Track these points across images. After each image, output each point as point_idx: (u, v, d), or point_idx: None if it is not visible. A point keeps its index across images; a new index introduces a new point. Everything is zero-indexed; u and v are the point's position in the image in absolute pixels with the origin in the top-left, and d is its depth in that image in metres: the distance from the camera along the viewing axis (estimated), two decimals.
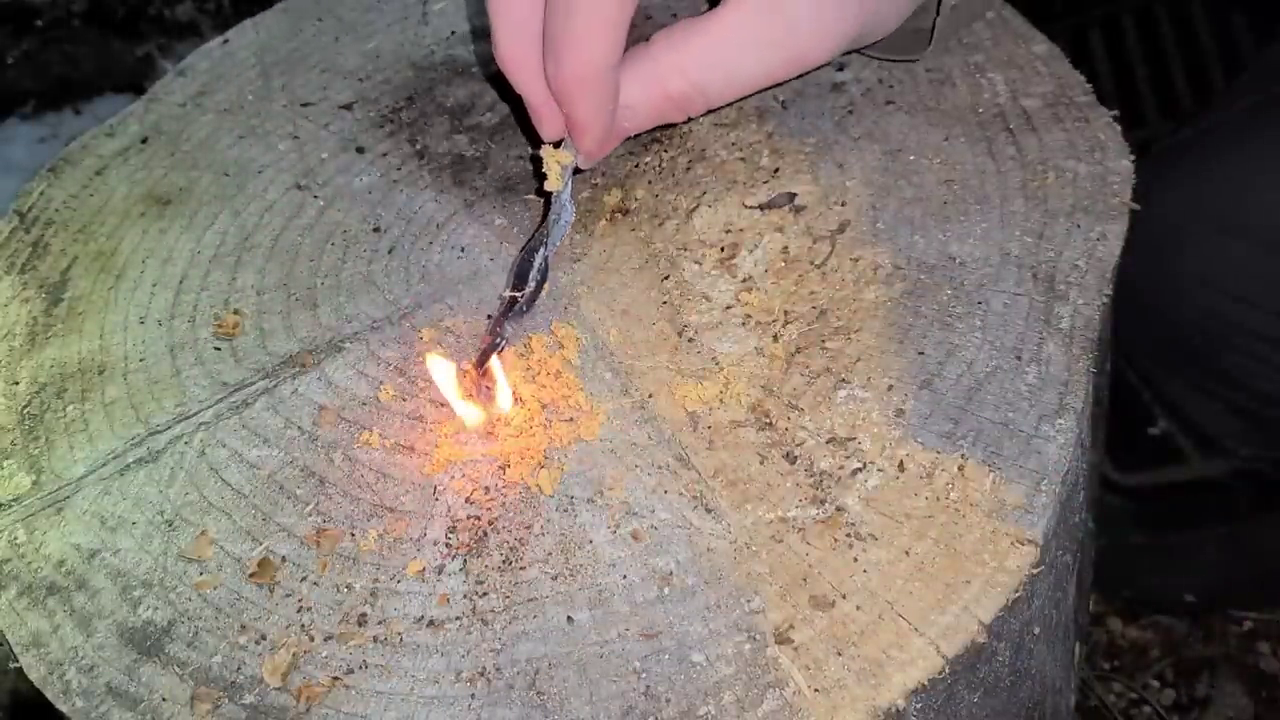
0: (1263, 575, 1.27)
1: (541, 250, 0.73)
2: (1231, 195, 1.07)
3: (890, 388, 0.68)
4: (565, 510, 0.65)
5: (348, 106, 0.91)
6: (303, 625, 0.62)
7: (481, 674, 0.60)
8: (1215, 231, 1.07)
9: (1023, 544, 0.61)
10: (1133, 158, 0.78)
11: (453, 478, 0.67)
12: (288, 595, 0.64)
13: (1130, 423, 1.24)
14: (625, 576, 0.62)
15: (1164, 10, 1.67)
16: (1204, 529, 1.26)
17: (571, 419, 0.69)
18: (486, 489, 0.66)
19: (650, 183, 0.82)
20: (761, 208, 0.78)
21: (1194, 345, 1.14)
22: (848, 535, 0.62)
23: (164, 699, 0.61)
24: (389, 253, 0.80)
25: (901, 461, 0.65)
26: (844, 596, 0.60)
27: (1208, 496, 1.24)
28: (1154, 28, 1.67)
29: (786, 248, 0.76)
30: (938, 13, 0.76)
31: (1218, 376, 1.14)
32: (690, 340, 0.72)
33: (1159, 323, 1.13)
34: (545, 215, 0.75)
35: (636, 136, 0.85)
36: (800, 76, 0.73)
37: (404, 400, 0.71)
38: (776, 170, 0.81)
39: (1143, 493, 1.26)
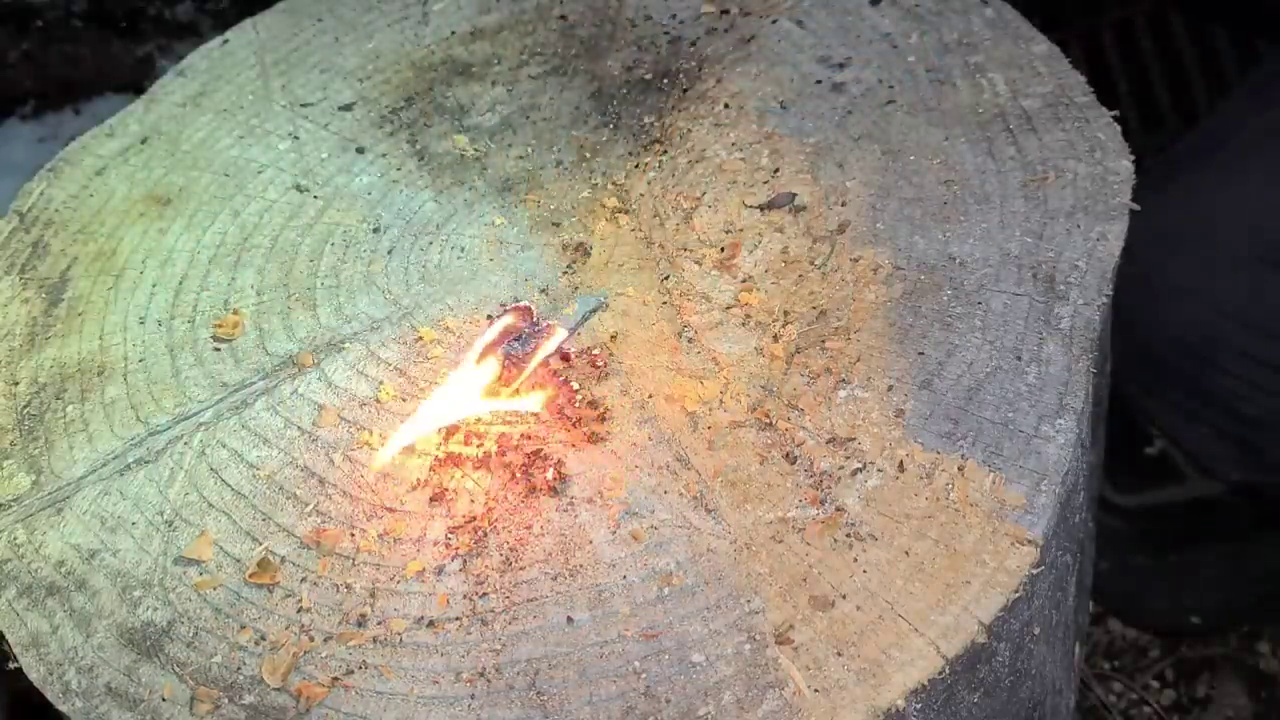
0: (1266, 594, 1.26)
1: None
2: (1219, 206, 1.06)
3: (890, 388, 0.68)
4: (565, 510, 0.65)
5: (348, 106, 0.91)
6: (302, 625, 0.62)
7: (481, 674, 0.60)
8: (1202, 244, 1.06)
9: (1023, 544, 0.61)
10: (1133, 158, 0.78)
11: (453, 478, 0.67)
12: (287, 595, 0.64)
13: (1127, 442, 1.23)
14: (625, 576, 0.62)
15: (1179, 14, 1.67)
16: (1205, 548, 1.25)
17: (571, 419, 0.69)
18: (487, 489, 0.66)
19: (650, 183, 0.82)
20: (761, 208, 0.78)
21: (1180, 366, 1.13)
22: (848, 535, 0.62)
23: (164, 699, 0.61)
24: (389, 253, 0.80)
25: (901, 461, 0.65)
26: (844, 596, 0.60)
27: (1208, 515, 1.23)
28: (1167, 30, 1.67)
29: (786, 248, 0.76)
30: None
31: (1204, 399, 1.13)
32: (690, 340, 0.72)
33: (1145, 342, 1.12)
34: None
35: (636, 137, 0.85)
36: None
37: (404, 400, 0.71)
38: (776, 170, 0.81)
39: (1142, 514, 1.25)
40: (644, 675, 0.59)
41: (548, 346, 0.70)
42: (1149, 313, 1.09)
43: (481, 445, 0.68)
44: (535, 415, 0.69)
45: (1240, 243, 1.04)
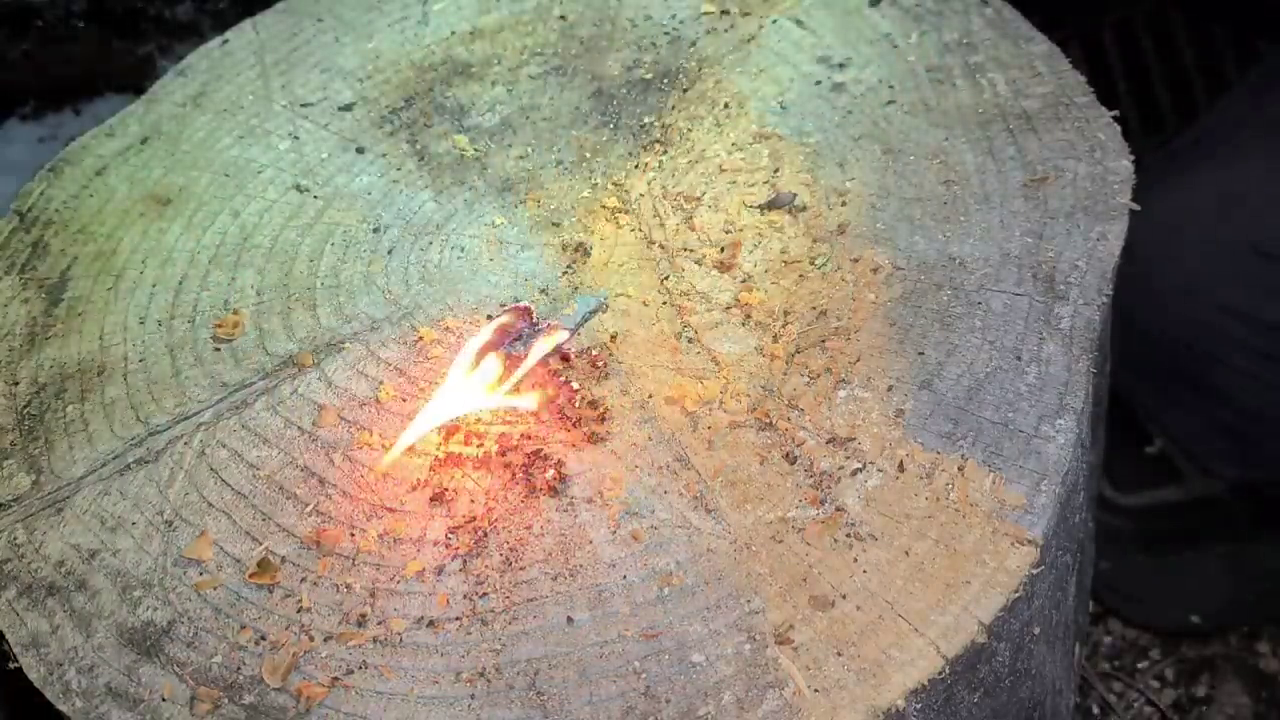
0: (1266, 594, 1.26)
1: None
2: (1219, 200, 1.06)
3: (890, 388, 0.68)
4: (565, 510, 0.65)
5: (348, 106, 0.91)
6: (302, 625, 0.62)
7: (481, 674, 0.60)
8: (1202, 241, 1.06)
9: (1023, 544, 0.61)
10: (1133, 158, 0.78)
11: (453, 478, 0.67)
12: (287, 595, 0.64)
13: (1127, 442, 1.23)
14: (625, 576, 0.62)
15: (1179, 14, 1.67)
16: (1206, 548, 1.25)
17: (571, 419, 0.69)
18: (487, 489, 0.66)
19: (650, 183, 0.82)
20: (761, 208, 0.78)
21: (1180, 360, 1.13)
22: (848, 535, 0.62)
23: (164, 699, 0.61)
24: (389, 253, 0.80)
25: (901, 462, 0.65)
26: (844, 596, 0.60)
27: (1208, 515, 1.23)
28: (1167, 30, 1.67)
29: (786, 248, 0.76)
30: None
31: (1204, 393, 1.13)
32: (690, 340, 0.72)
33: (1146, 339, 1.12)
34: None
35: (636, 137, 0.85)
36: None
37: (404, 400, 0.71)
38: (776, 170, 0.81)
39: (1142, 513, 1.25)
40: (644, 675, 0.59)
41: (548, 346, 0.70)
42: (1149, 307, 1.09)
43: (481, 445, 0.68)
44: (535, 415, 0.69)
45: (1240, 237, 1.04)
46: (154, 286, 0.80)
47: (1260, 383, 1.07)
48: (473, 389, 0.68)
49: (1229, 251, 1.05)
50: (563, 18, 0.95)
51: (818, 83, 0.86)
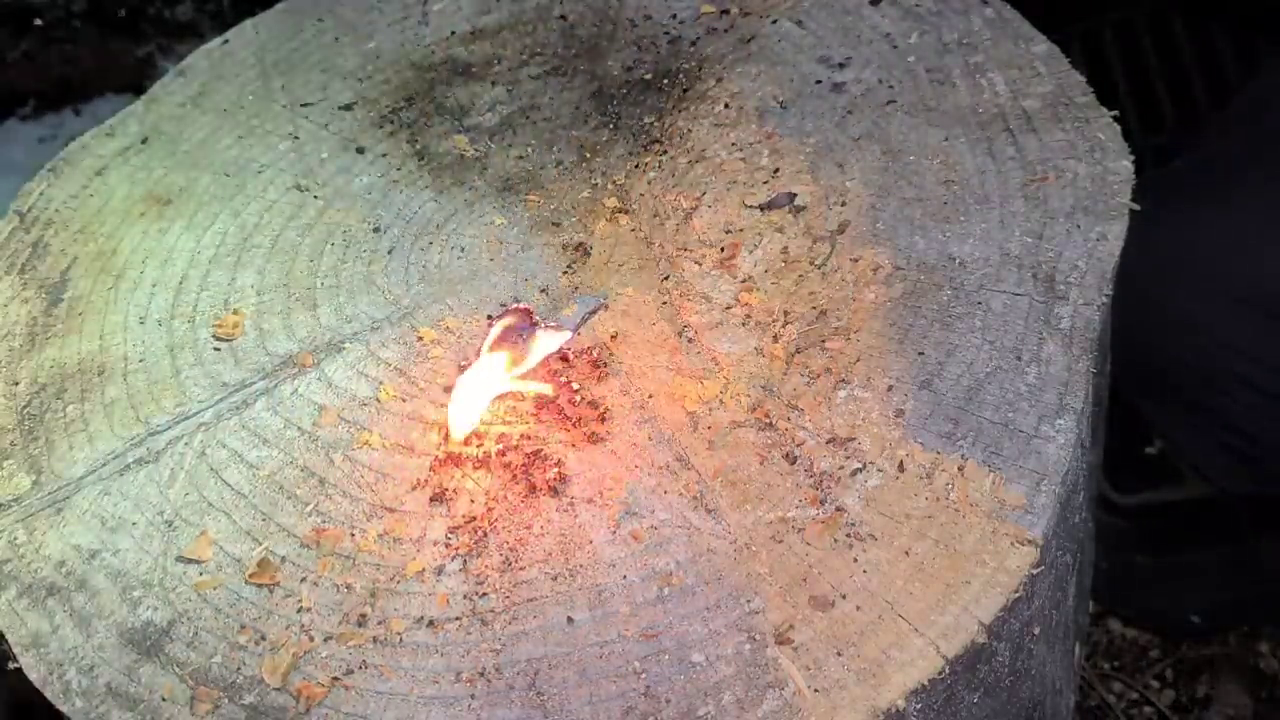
0: (1266, 594, 1.26)
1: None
2: (1220, 246, 1.07)
3: (890, 388, 0.68)
4: (565, 510, 0.65)
5: (348, 106, 0.91)
6: (302, 625, 0.62)
7: (481, 674, 0.60)
8: (1202, 279, 1.07)
9: (1023, 544, 0.61)
10: (1133, 158, 0.78)
11: (453, 478, 0.67)
12: (287, 595, 0.64)
13: (1127, 442, 1.23)
14: (625, 576, 0.62)
15: (1179, 14, 1.66)
16: (1206, 548, 1.25)
17: (571, 419, 0.69)
18: (487, 489, 0.66)
19: (650, 183, 0.82)
20: (761, 208, 0.78)
21: (1182, 385, 1.13)
22: (848, 535, 0.62)
23: (164, 699, 0.61)
24: (389, 253, 0.80)
25: (901, 462, 0.65)
26: (844, 596, 0.60)
27: (1208, 515, 1.24)
28: (1167, 30, 1.67)
29: (786, 248, 0.76)
30: None
31: (1205, 413, 1.14)
32: (690, 340, 0.72)
33: (1148, 360, 1.12)
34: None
35: (636, 137, 0.85)
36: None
37: (404, 400, 0.71)
38: (776, 170, 0.81)
39: (1142, 513, 1.26)
40: (644, 675, 0.59)
41: (549, 345, 0.70)
42: (1151, 331, 1.10)
43: (481, 445, 0.68)
44: (535, 415, 0.69)
45: (1242, 279, 1.05)
46: (154, 286, 0.80)
47: (1264, 416, 1.08)
48: (495, 369, 0.68)
49: (1227, 297, 1.05)
50: (563, 18, 0.95)
51: (818, 82, 0.86)
